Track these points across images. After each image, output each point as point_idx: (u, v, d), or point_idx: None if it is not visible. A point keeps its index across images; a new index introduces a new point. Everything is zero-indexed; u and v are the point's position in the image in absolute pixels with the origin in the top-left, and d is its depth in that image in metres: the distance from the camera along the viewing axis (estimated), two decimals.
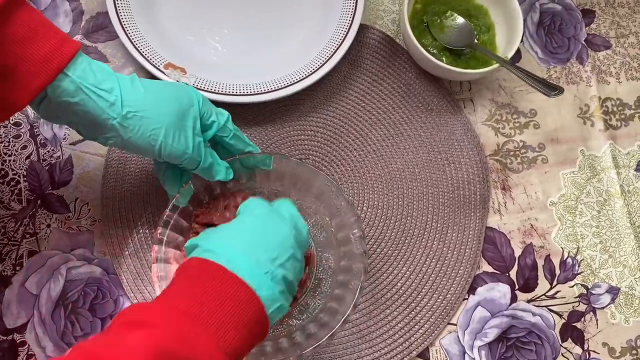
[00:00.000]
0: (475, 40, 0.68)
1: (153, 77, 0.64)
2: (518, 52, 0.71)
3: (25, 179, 0.63)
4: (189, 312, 0.40)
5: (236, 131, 0.56)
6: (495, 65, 0.64)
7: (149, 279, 0.61)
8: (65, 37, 0.46)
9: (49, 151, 0.64)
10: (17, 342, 0.59)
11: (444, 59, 0.67)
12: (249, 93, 0.63)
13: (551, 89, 0.62)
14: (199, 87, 0.62)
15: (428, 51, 0.65)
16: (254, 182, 0.59)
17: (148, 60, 0.63)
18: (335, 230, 0.58)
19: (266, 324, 0.44)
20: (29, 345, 0.59)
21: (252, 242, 0.45)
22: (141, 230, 0.62)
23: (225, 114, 0.55)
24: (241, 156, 0.56)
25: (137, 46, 0.63)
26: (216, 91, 0.63)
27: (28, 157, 0.63)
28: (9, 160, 0.63)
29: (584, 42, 0.73)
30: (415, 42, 0.64)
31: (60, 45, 0.45)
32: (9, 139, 0.64)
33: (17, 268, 0.60)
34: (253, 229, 0.46)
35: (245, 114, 0.66)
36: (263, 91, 0.63)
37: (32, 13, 0.44)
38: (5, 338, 0.59)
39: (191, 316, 0.40)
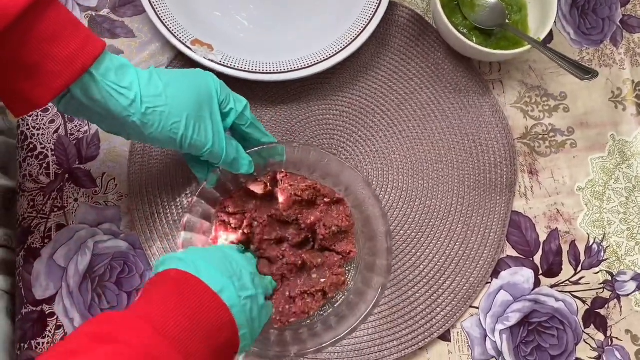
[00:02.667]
0: (507, 20, 0.67)
1: (180, 53, 0.64)
2: (550, 32, 0.69)
3: (53, 153, 0.63)
4: (160, 326, 0.39)
5: (253, 120, 0.56)
6: (527, 47, 0.63)
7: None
8: (91, 35, 0.45)
9: (76, 126, 0.64)
10: (46, 313, 0.60)
11: (474, 38, 0.66)
12: (275, 71, 0.63)
13: (585, 72, 0.61)
14: (225, 64, 0.62)
15: (458, 30, 0.64)
16: (266, 175, 0.58)
17: (175, 36, 0.62)
18: (362, 224, 0.58)
19: (236, 345, 0.44)
20: (57, 317, 0.60)
21: (228, 268, 0.46)
22: (167, 206, 0.62)
23: (243, 101, 0.55)
24: (257, 149, 0.56)
25: (164, 21, 0.62)
26: (242, 69, 0.62)
27: (56, 131, 0.64)
28: (38, 134, 0.64)
29: (619, 24, 0.71)
30: (446, 20, 0.63)
31: (86, 45, 0.44)
32: (37, 112, 0.64)
33: (46, 241, 0.61)
34: (227, 258, 0.47)
35: (271, 92, 0.66)
36: (289, 69, 0.63)
37: (60, 11, 0.44)
38: (34, 309, 0.60)
39: (163, 333, 0.39)
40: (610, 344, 0.63)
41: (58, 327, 0.60)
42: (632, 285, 0.65)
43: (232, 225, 0.57)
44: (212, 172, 0.56)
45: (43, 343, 0.59)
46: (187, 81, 0.50)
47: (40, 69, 0.43)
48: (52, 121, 0.64)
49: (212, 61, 0.61)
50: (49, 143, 0.64)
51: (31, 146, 0.63)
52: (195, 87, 0.51)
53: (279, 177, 0.57)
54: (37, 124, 0.64)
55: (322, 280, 0.56)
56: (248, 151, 0.56)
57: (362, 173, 0.62)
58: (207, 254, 0.47)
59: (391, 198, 0.65)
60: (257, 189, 0.57)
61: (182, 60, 0.65)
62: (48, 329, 0.60)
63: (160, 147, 0.51)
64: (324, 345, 0.53)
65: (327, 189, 0.58)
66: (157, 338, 0.38)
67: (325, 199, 0.57)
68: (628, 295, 0.64)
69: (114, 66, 0.46)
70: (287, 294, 0.56)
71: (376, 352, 0.60)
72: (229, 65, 0.62)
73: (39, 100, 0.44)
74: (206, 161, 0.55)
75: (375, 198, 0.56)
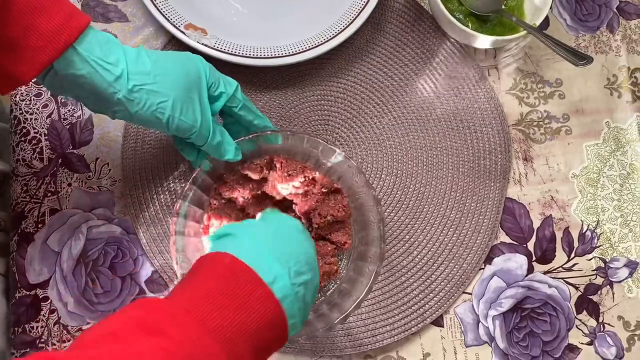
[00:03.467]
0: (503, 6, 0.66)
1: (173, 37, 0.63)
2: (546, 18, 0.69)
3: (46, 137, 0.63)
4: (209, 324, 0.37)
5: (245, 101, 0.55)
6: (523, 33, 0.62)
7: (169, 240, 0.62)
8: (75, 10, 0.45)
9: (69, 110, 0.64)
10: (40, 297, 0.60)
11: (469, 24, 0.66)
12: (269, 56, 0.62)
13: (580, 58, 0.60)
14: (219, 48, 0.61)
15: (454, 16, 0.64)
16: (262, 159, 0.58)
17: (168, 20, 0.62)
18: (354, 212, 0.58)
19: (284, 340, 0.42)
20: (51, 301, 0.60)
21: (285, 251, 0.43)
22: (161, 191, 0.62)
23: (233, 83, 0.54)
24: (250, 137, 0.55)
25: (157, 5, 0.62)
26: (236, 53, 0.62)
27: (49, 115, 0.64)
28: (31, 119, 0.63)
29: (615, 10, 0.71)
30: (441, 6, 0.62)
31: (70, 19, 0.44)
32: (31, 97, 0.64)
33: (40, 225, 0.61)
34: (286, 238, 0.45)
35: (265, 77, 0.66)
36: (284, 54, 0.62)
37: None
38: (28, 293, 0.60)
39: (209, 329, 0.37)
40: (602, 329, 0.64)
41: (52, 311, 0.60)
42: (624, 272, 0.65)
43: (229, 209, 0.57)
44: (207, 158, 0.55)
45: (37, 327, 0.59)
46: (175, 62, 0.50)
47: (23, 44, 0.43)
48: (46, 105, 0.64)
49: (206, 45, 0.61)
50: (42, 128, 0.63)
51: (24, 130, 0.63)
52: (184, 68, 0.50)
53: (276, 161, 0.57)
54: (30, 108, 0.64)
55: None
56: (242, 138, 0.55)
57: (356, 161, 0.62)
58: (265, 232, 0.44)
59: (385, 184, 0.65)
60: (254, 174, 0.57)
61: (176, 45, 0.65)
62: (42, 313, 0.60)
63: (146, 127, 0.50)
64: (315, 332, 0.53)
65: (325, 179, 0.57)
66: (204, 337, 0.37)
67: (323, 189, 0.57)
68: (620, 282, 0.65)
69: (99, 41, 0.46)
70: None
71: (369, 337, 0.60)
72: (222, 49, 0.61)
73: (22, 76, 0.44)
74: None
75: (368, 186, 0.56)
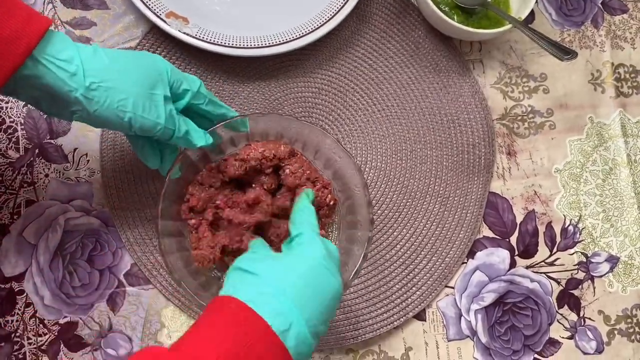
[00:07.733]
0: None
1: (154, 26, 0.62)
2: (531, 12, 0.69)
3: (22, 127, 0.62)
4: None
5: (210, 96, 0.53)
6: (508, 26, 0.62)
7: (148, 232, 0.60)
8: (33, 12, 0.42)
9: None
10: (16, 290, 0.59)
11: (455, 17, 0.65)
12: (252, 46, 0.61)
13: (564, 52, 0.60)
14: (201, 38, 0.60)
15: (439, 8, 0.63)
16: (234, 147, 0.57)
17: (149, 8, 0.60)
18: (337, 183, 0.57)
19: None
20: (27, 294, 0.59)
21: (308, 298, 0.41)
22: (141, 183, 0.61)
23: (197, 81, 0.52)
24: (216, 127, 0.54)
25: None
26: (218, 43, 0.61)
27: (26, 104, 0.62)
28: (6, 107, 0.62)
29: (600, 5, 0.71)
30: None
31: (27, 23, 0.41)
32: None
33: (15, 217, 0.60)
34: (313, 281, 0.42)
35: (248, 68, 0.64)
36: (267, 44, 0.62)
37: None
38: (3, 286, 0.59)
39: None
40: (583, 324, 0.64)
41: (28, 304, 0.59)
42: (605, 267, 0.65)
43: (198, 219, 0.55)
44: (173, 161, 0.53)
45: (12, 321, 0.58)
46: (134, 60, 0.48)
47: None
48: None
49: (188, 34, 0.60)
50: (18, 117, 0.62)
51: None
52: (144, 66, 0.48)
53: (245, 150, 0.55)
54: (6, 96, 0.62)
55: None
56: (212, 128, 0.53)
57: (330, 135, 0.61)
58: (291, 275, 0.42)
59: (369, 177, 0.64)
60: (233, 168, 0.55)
61: (157, 34, 0.64)
62: (17, 306, 0.58)
63: (108, 128, 0.48)
64: None
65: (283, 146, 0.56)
66: None
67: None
68: (601, 276, 0.65)
69: (50, 39, 0.43)
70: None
71: (351, 331, 0.60)
72: (204, 39, 0.60)
73: None
74: (157, 148, 0.53)
75: (346, 154, 0.55)
